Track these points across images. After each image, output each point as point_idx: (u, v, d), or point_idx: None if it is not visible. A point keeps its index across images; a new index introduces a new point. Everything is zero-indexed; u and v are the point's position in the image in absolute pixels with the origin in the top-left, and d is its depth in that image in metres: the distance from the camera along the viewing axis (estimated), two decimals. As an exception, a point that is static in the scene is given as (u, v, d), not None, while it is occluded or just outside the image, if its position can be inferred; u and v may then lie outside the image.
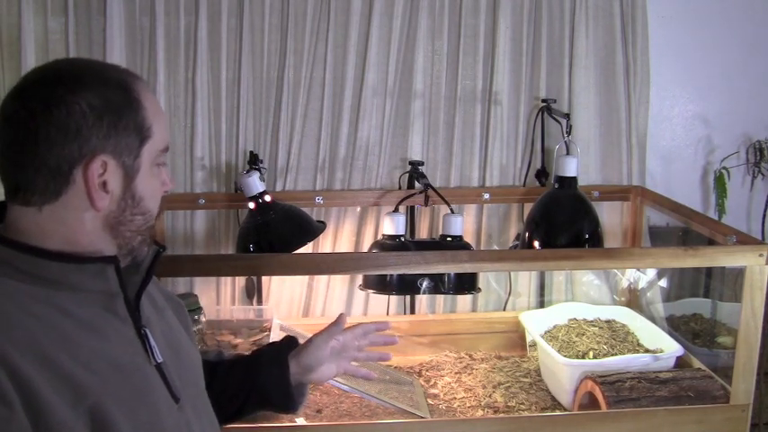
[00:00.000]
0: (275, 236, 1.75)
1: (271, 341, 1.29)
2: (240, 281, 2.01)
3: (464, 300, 2.08)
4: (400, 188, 2.01)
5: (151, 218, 0.95)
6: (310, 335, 1.27)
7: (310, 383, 1.27)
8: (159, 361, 0.93)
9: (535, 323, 1.88)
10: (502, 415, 1.63)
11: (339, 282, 2.03)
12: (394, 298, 2.03)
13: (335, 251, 2.01)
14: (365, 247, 2.01)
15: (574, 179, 1.83)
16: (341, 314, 1.28)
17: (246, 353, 1.28)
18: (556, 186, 1.84)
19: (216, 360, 1.24)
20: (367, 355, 1.31)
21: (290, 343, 1.26)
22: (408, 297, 2.03)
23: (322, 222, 1.85)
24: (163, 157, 0.95)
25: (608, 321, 1.93)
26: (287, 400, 1.21)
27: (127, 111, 0.88)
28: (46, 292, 0.85)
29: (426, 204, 1.89)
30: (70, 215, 0.88)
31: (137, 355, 0.91)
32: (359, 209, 2.03)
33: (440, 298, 2.08)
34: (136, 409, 0.87)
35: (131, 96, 0.89)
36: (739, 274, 1.54)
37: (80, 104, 0.85)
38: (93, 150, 0.86)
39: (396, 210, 1.81)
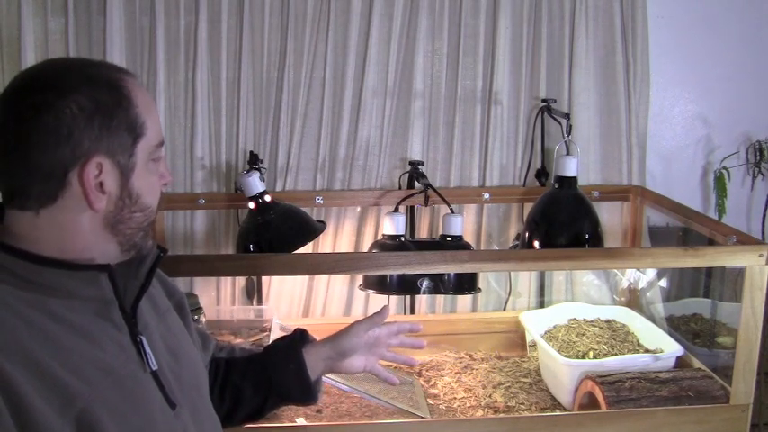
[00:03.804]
0: (275, 236, 1.75)
1: (279, 336, 1.29)
2: (240, 281, 2.01)
3: (464, 300, 2.08)
4: (400, 188, 2.01)
5: (151, 213, 0.95)
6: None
7: (338, 371, 1.27)
8: (154, 368, 0.93)
9: (535, 323, 1.88)
10: (502, 415, 1.63)
11: (339, 282, 2.03)
12: (394, 298, 2.03)
13: (335, 251, 2.01)
14: (365, 247, 2.01)
15: (574, 179, 1.83)
16: (384, 306, 1.28)
17: (258, 349, 1.27)
18: (556, 186, 1.84)
19: (228, 357, 1.23)
20: (393, 356, 1.30)
21: (302, 336, 1.24)
22: (408, 297, 2.03)
23: (322, 222, 1.85)
24: (158, 151, 0.94)
25: (608, 321, 1.93)
26: (307, 393, 1.20)
27: (118, 110, 0.88)
28: (39, 297, 0.85)
29: (426, 204, 1.89)
30: (68, 217, 0.88)
31: (130, 362, 0.90)
32: (359, 209, 2.03)
33: (440, 298, 2.08)
34: (127, 416, 0.86)
35: (122, 95, 0.88)
36: (739, 274, 1.54)
37: (70, 107, 0.84)
38: (86, 153, 0.85)
39: (396, 210, 1.81)
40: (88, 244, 0.89)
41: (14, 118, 0.85)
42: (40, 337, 0.82)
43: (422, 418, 1.59)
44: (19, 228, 0.88)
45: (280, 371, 1.20)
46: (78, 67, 0.90)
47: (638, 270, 2.05)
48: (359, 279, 1.85)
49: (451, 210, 1.84)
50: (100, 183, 0.87)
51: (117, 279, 0.90)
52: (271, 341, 1.28)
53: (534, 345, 1.88)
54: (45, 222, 0.87)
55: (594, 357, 1.73)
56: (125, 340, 0.91)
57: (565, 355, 1.71)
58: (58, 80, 0.86)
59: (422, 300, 2.06)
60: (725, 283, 2.04)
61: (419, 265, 1.49)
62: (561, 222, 1.81)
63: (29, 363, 0.80)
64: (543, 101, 1.99)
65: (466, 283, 1.76)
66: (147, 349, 0.93)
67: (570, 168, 1.82)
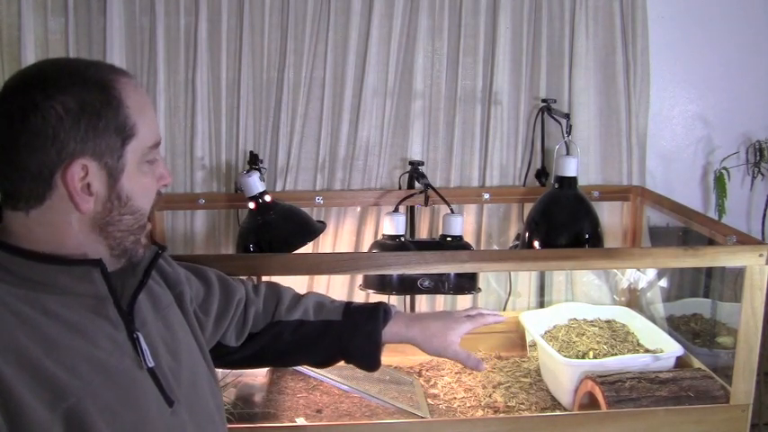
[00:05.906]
0: (275, 236, 1.75)
1: (361, 304, 1.32)
2: (240, 281, 2.00)
3: (464, 300, 2.07)
4: (400, 188, 2.01)
5: (142, 216, 0.94)
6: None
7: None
8: (150, 366, 0.93)
9: (535, 323, 1.88)
10: (502, 415, 1.63)
11: (339, 282, 2.03)
12: (394, 298, 2.03)
13: (335, 251, 2.01)
14: (365, 247, 2.01)
15: (574, 179, 1.83)
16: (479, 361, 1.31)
17: (335, 306, 1.31)
18: (556, 186, 1.84)
19: (304, 319, 1.28)
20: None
21: (385, 316, 1.28)
22: (408, 297, 2.03)
23: (322, 222, 1.85)
24: (153, 153, 0.94)
25: (608, 321, 1.93)
26: (371, 366, 1.27)
27: (106, 111, 0.87)
28: (34, 294, 0.85)
29: (426, 204, 1.89)
30: (56, 218, 0.88)
31: (125, 359, 0.90)
32: (359, 209, 2.03)
33: (440, 298, 2.07)
34: (119, 413, 0.86)
35: (111, 95, 0.88)
36: (739, 274, 1.54)
37: (56, 109, 0.84)
38: (71, 154, 0.85)
39: (396, 210, 1.81)
40: (79, 243, 0.90)
41: (4, 119, 0.85)
42: (34, 333, 0.83)
43: (422, 418, 1.59)
44: (14, 226, 0.89)
45: (354, 347, 1.26)
46: (70, 67, 0.90)
47: (638, 270, 2.05)
48: (359, 279, 1.84)
49: (451, 210, 1.84)
50: (87, 184, 0.87)
51: (110, 275, 0.91)
52: (351, 305, 1.33)
53: (534, 345, 1.88)
54: (35, 222, 0.88)
55: (594, 357, 1.73)
56: (120, 337, 0.91)
57: (565, 355, 1.72)
58: (47, 81, 0.86)
59: (422, 300, 2.06)
60: (725, 283, 2.04)
61: (419, 265, 1.49)
62: (561, 222, 1.81)
63: (20, 359, 0.80)
64: (543, 101, 1.99)
65: (466, 284, 1.76)
66: (144, 346, 0.93)
67: (570, 168, 1.82)
